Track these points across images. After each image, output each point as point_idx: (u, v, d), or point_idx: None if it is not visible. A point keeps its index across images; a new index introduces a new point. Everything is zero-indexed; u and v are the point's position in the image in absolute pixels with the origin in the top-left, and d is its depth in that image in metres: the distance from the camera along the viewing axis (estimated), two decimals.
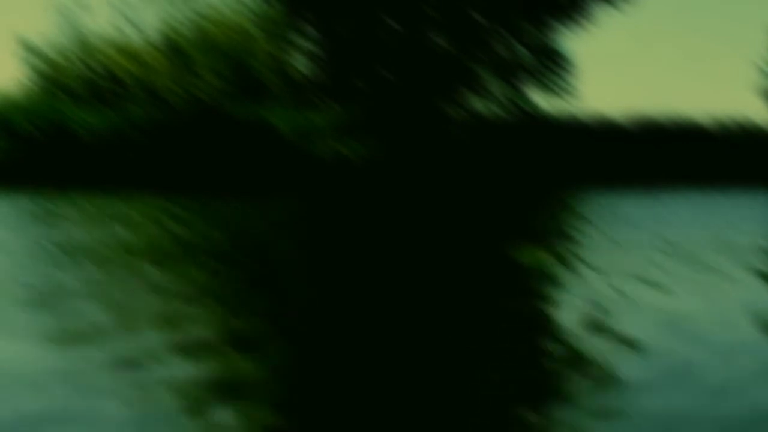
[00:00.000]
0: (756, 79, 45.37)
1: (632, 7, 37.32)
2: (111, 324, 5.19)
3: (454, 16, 35.71)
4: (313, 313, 5.55)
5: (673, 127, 36.98)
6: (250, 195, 23.26)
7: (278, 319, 5.37)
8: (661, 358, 4.45)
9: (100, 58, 36.98)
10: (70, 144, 31.11)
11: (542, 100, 36.77)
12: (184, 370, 4.08)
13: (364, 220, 13.99)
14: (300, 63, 36.17)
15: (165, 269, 7.69)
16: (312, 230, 11.97)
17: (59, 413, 3.38)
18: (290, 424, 3.24)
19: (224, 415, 3.35)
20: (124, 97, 35.53)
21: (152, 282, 6.90)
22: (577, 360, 4.36)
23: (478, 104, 36.18)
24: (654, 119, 37.05)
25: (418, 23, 35.58)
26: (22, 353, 4.42)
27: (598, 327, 5.26)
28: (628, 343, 4.79)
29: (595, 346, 4.72)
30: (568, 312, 5.75)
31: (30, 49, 37.84)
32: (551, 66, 36.77)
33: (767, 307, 6.02)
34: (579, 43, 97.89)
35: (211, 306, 5.81)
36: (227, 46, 36.26)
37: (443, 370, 4.12)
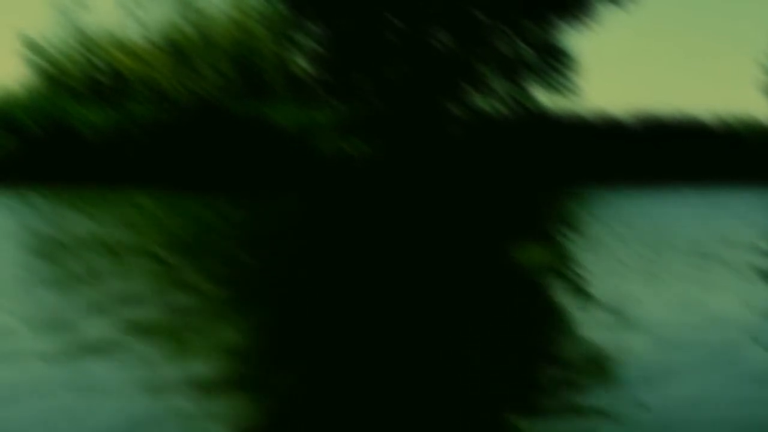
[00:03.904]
0: (759, 76, 45.31)
1: (635, 5, 37.26)
2: (112, 320, 5.18)
3: (458, 14, 35.67)
4: (315, 310, 5.54)
5: (676, 124, 36.92)
6: (254, 192, 23.25)
7: (281, 315, 5.36)
8: (662, 354, 4.43)
9: (103, 56, 36.97)
10: (72, 142, 31.10)
11: (545, 98, 36.70)
12: (183, 366, 4.07)
13: (367, 218, 13.97)
14: (303, 61, 36.13)
15: (167, 266, 7.68)
16: (315, 227, 11.96)
17: (59, 408, 3.37)
18: (291, 420, 3.23)
19: (223, 412, 3.34)
20: (126, 94, 35.51)
21: (154, 278, 6.89)
22: (578, 356, 4.35)
23: (482, 102, 36.13)
24: (657, 117, 36.99)
25: (421, 21, 35.54)
26: (24, 346, 4.41)
27: (599, 323, 5.24)
28: (629, 340, 4.77)
29: (595, 343, 4.70)
30: (570, 309, 5.74)
31: (33, 47, 37.84)
32: (554, 64, 36.69)
33: None
34: (582, 41, 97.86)
35: (212, 301, 5.80)
36: (230, 44, 36.24)
37: (444, 366, 4.10)
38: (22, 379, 3.81)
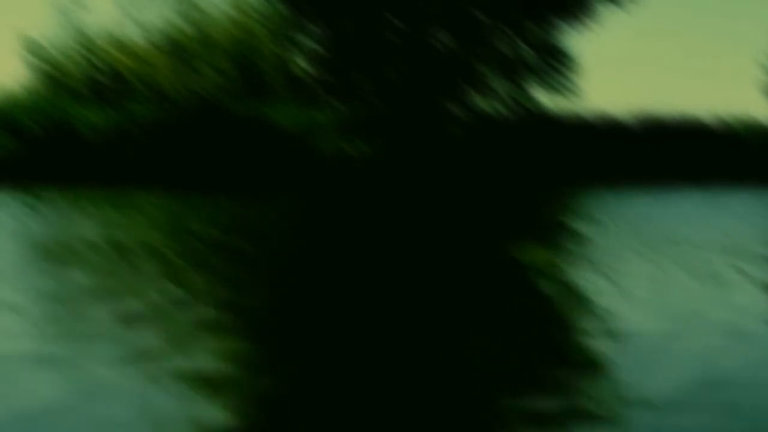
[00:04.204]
0: (759, 76, 45.32)
1: (635, 5, 37.26)
2: (112, 320, 5.18)
3: (458, 15, 35.67)
4: (317, 310, 5.54)
5: (676, 125, 36.93)
6: (254, 193, 23.26)
7: (282, 315, 5.36)
8: (662, 354, 4.43)
9: (103, 56, 36.97)
10: (73, 142, 31.10)
11: (546, 99, 36.72)
12: (182, 367, 4.07)
13: (367, 218, 13.97)
14: (303, 61, 36.14)
15: (167, 266, 7.68)
16: (315, 228, 11.96)
17: (59, 408, 3.37)
18: (293, 420, 3.23)
19: (222, 412, 3.34)
20: (127, 95, 35.52)
21: (154, 279, 6.89)
22: (577, 356, 4.35)
23: (482, 103, 36.13)
24: (657, 117, 37.00)
25: (421, 22, 35.54)
26: (24, 346, 4.41)
27: (599, 324, 5.24)
28: (629, 341, 4.77)
29: (596, 343, 4.70)
30: (571, 309, 5.74)
31: (33, 47, 37.84)
32: (555, 64, 36.71)
33: None
34: (583, 42, 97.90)
35: (213, 302, 5.80)
36: (231, 44, 36.25)
37: (444, 366, 4.10)
38: (27, 387, 3.81)
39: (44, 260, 8.04)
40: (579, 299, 6.08)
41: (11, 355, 4.25)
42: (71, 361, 4.12)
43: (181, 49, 36.32)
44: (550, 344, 4.60)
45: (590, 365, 4.14)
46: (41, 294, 6.09)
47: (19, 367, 4.00)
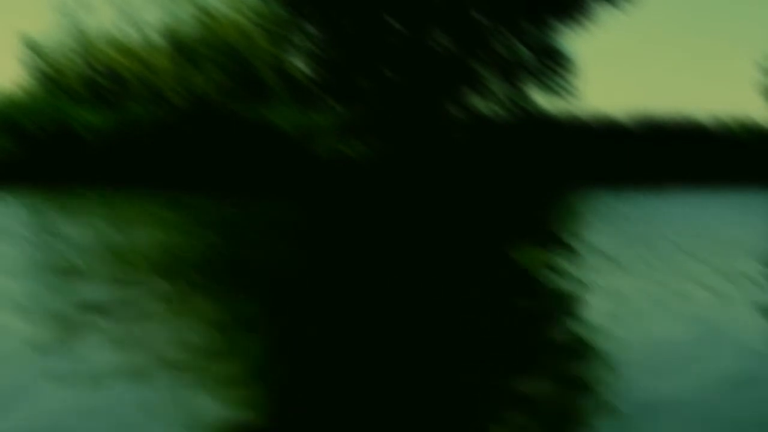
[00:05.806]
0: (758, 78, 45.34)
1: (634, 6, 37.28)
2: (112, 322, 5.21)
3: (456, 16, 35.69)
4: (316, 313, 5.56)
5: (675, 126, 36.94)
6: (252, 194, 23.26)
7: (282, 317, 5.38)
8: (661, 354, 4.46)
9: (102, 57, 36.96)
10: (72, 143, 31.10)
11: (544, 100, 36.73)
12: (182, 367, 4.10)
13: (366, 220, 13.99)
14: (302, 63, 36.14)
15: (167, 267, 7.70)
16: (314, 230, 11.98)
17: (58, 409, 3.39)
18: (296, 420, 3.25)
19: (222, 411, 3.37)
20: (126, 96, 35.52)
21: (153, 280, 6.91)
22: (577, 357, 4.38)
23: (480, 104, 36.14)
24: (656, 119, 37.02)
25: (420, 23, 35.56)
26: (24, 347, 4.44)
27: (598, 325, 5.27)
28: (628, 341, 4.80)
29: (595, 343, 4.73)
30: (571, 310, 5.77)
31: (33, 48, 37.84)
32: (553, 66, 36.72)
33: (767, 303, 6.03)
34: (580, 43, 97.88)
35: (212, 304, 5.82)
36: (229, 45, 36.24)
37: (446, 368, 4.13)
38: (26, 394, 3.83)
39: (44, 260, 8.06)
40: (578, 301, 6.11)
41: (17, 362, 4.27)
42: (66, 355, 4.15)
43: (179, 50, 36.32)
44: (548, 345, 4.63)
45: (590, 366, 4.17)
46: (42, 295, 6.12)
47: (32, 377, 4.03)
